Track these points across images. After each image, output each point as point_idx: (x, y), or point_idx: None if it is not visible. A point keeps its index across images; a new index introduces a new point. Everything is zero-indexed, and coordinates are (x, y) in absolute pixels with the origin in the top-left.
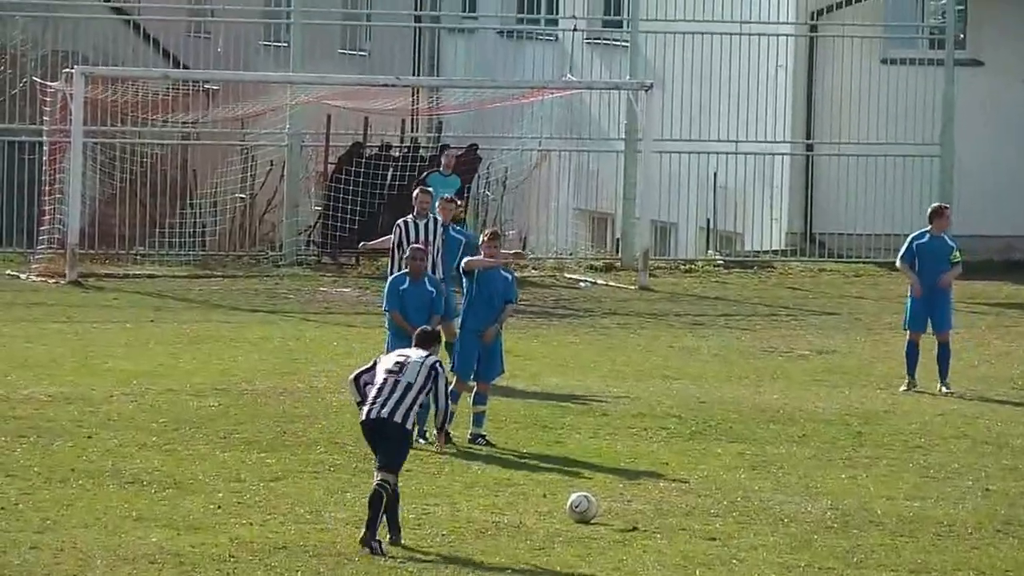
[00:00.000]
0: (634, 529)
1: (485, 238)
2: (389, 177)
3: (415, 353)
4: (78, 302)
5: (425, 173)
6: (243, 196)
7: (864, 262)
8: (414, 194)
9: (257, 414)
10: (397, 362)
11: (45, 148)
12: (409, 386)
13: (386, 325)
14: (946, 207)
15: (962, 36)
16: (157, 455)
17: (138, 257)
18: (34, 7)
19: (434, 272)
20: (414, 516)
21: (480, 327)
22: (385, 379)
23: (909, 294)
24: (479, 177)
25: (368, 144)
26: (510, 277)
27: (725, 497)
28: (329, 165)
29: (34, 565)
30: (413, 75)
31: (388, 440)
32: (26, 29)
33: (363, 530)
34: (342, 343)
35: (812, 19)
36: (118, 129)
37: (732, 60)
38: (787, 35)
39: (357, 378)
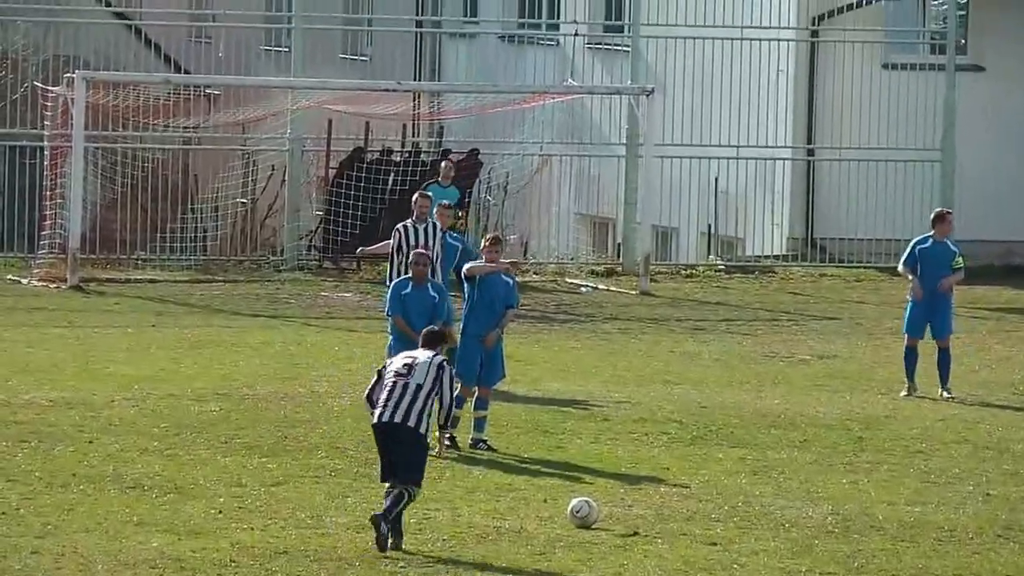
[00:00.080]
0: (635, 534)
1: (487, 243)
2: (390, 182)
3: (422, 354)
4: (79, 307)
5: (424, 184)
6: (244, 201)
7: (865, 267)
8: (413, 198)
9: (258, 419)
10: (405, 364)
11: (46, 153)
12: (419, 388)
13: (388, 330)
14: (949, 212)
15: (963, 41)
16: (158, 460)
17: (139, 262)
18: (36, 12)
19: (433, 276)
20: (415, 521)
21: (482, 332)
22: (395, 382)
23: (910, 299)
24: (480, 182)
25: (369, 149)
26: (511, 282)
27: (726, 502)
28: (330, 170)
29: (35, 570)
30: (414, 80)
31: (401, 444)
32: (28, 34)
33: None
34: (343, 348)
35: (813, 24)
36: (119, 134)
37: (733, 65)
38: (788, 40)
39: (370, 396)
